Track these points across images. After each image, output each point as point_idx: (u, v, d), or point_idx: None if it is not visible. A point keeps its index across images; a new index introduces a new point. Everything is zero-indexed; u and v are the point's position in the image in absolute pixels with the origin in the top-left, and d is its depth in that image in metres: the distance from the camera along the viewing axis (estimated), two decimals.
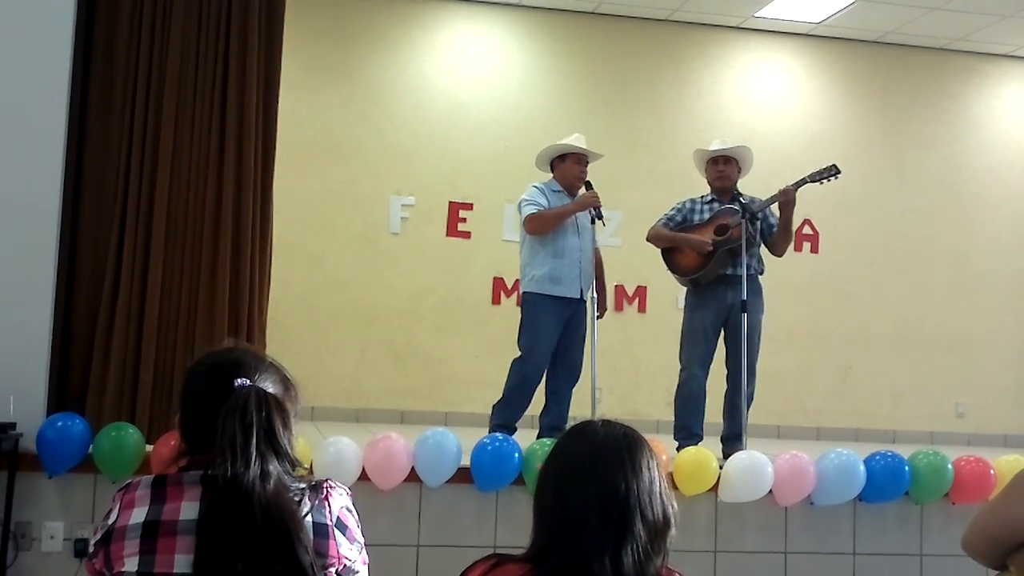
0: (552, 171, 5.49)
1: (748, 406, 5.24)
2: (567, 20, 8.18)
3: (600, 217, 5.33)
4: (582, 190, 5.35)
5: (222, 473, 1.78)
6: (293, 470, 1.88)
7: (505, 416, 5.18)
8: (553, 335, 5.23)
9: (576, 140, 5.47)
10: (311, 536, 1.81)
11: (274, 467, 1.81)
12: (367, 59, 7.88)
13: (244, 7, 4.75)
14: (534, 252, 5.30)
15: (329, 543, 1.84)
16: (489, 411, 5.38)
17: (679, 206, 5.58)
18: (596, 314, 5.35)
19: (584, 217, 5.36)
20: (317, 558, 1.80)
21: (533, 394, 5.26)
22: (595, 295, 5.36)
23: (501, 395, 5.29)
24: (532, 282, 5.27)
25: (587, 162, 5.43)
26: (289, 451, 1.87)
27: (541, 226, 5.25)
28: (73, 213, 4.53)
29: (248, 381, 1.87)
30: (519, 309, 5.49)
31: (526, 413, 5.34)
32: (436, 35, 8.02)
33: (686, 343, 5.48)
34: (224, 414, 1.83)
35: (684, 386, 5.39)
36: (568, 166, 5.39)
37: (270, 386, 1.92)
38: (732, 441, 5.20)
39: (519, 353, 5.29)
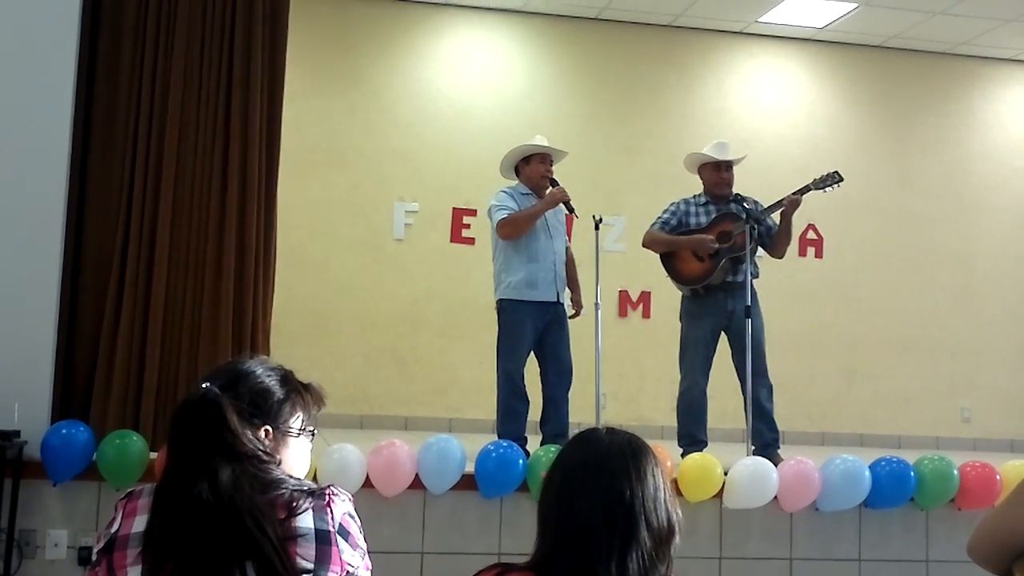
0: (517, 175, 5.47)
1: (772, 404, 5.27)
2: (570, 26, 8.19)
3: (572, 210, 5.29)
4: (549, 189, 5.32)
5: (171, 480, 1.80)
6: (266, 467, 1.87)
7: (510, 431, 5.11)
8: (530, 340, 5.22)
9: (537, 141, 5.46)
10: (312, 540, 1.81)
11: (228, 467, 1.80)
12: (371, 65, 7.90)
13: (248, 14, 4.76)
14: (508, 258, 5.28)
15: (332, 550, 1.83)
16: (493, 417, 5.37)
17: (672, 208, 5.54)
18: (572, 314, 5.34)
19: (555, 219, 5.35)
20: (319, 565, 1.80)
21: (526, 398, 5.22)
22: (571, 295, 5.37)
23: (497, 412, 5.25)
24: (509, 288, 5.25)
25: (552, 161, 5.41)
26: (250, 450, 1.85)
27: (514, 229, 5.22)
28: (77, 220, 4.53)
29: (210, 385, 1.88)
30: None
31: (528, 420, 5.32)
32: (440, 41, 8.03)
33: (687, 351, 5.44)
34: (173, 420, 1.86)
35: (687, 394, 5.37)
36: (533, 167, 5.37)
37: (257, 387, 1.95)
38: (774, 447, 5.18)
39: (496, 360, 5.28)
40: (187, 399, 1.87)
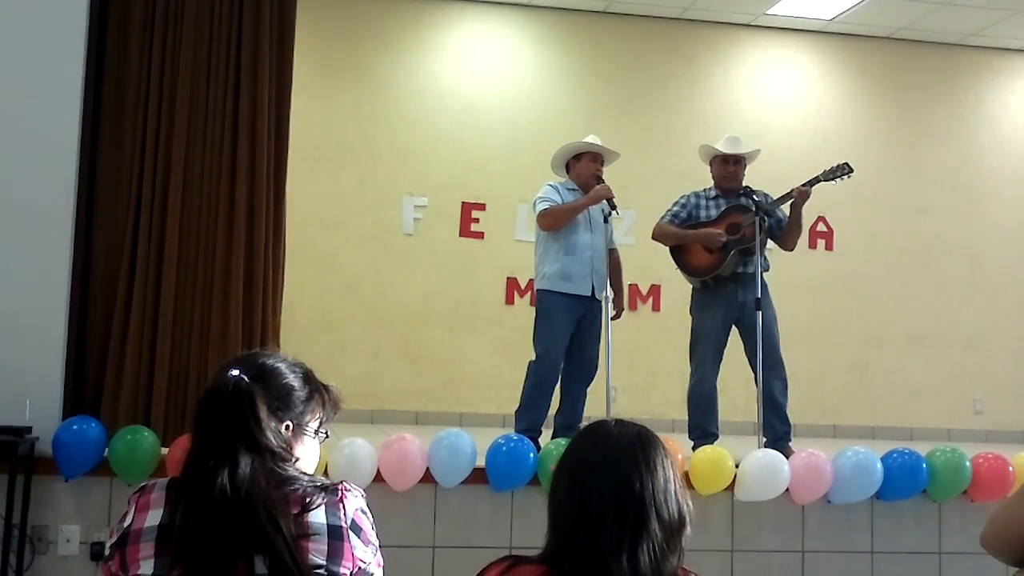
0: (567, 172, 5.47)
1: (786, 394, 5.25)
2: (578, 19, 8.17)
3: (615, 208, 5.28)
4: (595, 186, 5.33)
5: (193, 467, 1.80)
6: (283, 463, 1.87)
7: (527, 420, 5.12)
8: (566, 333, 5.20)
9: (591, 139, 5.47)
10: (325, 536, 1.81)
11: (248, 458, 1.81)
12: (379, 60, 7.90)
13: (255, 9, 4.76)
14: (547, 249, 5.29)
15: (344, 545, 1.83)
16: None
17: (683, 201, 5.54)
18: (612, 314, 5.32)
19: (598, 215, 5.33)
20: (331, 561, 1.80)
21: (552, 394, 5.22)
22: (610, 294, 5.31)
23: (520, 400, 5.25)
24: (544, 279, 5.26)
25: (603, 161, 5.41)
26: (270, 444, 1.86)
27: (554, 221, 5.23)
28: (87, 217, 4.55)
29: (239, 373, 1.87)
30: (534, 308, 5.47)
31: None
32: (447, 36, 8.03)
33: (697, 343, 5.44)
34: (199, 403, 1.86)
35: (697, 386, 5.37)
36: (584, 164, 5.37)
37: (284, 383, 1.94)
38: (786, 440, 5.17)
39: (534, 354, 5.26)
40: (219, 384, 1.86)
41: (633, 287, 7.89)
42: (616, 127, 8.05)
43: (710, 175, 5.58)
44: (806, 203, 5.30)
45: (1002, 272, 8.61)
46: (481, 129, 7.96)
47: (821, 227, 8.36)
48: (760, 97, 8.43)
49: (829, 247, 8.41)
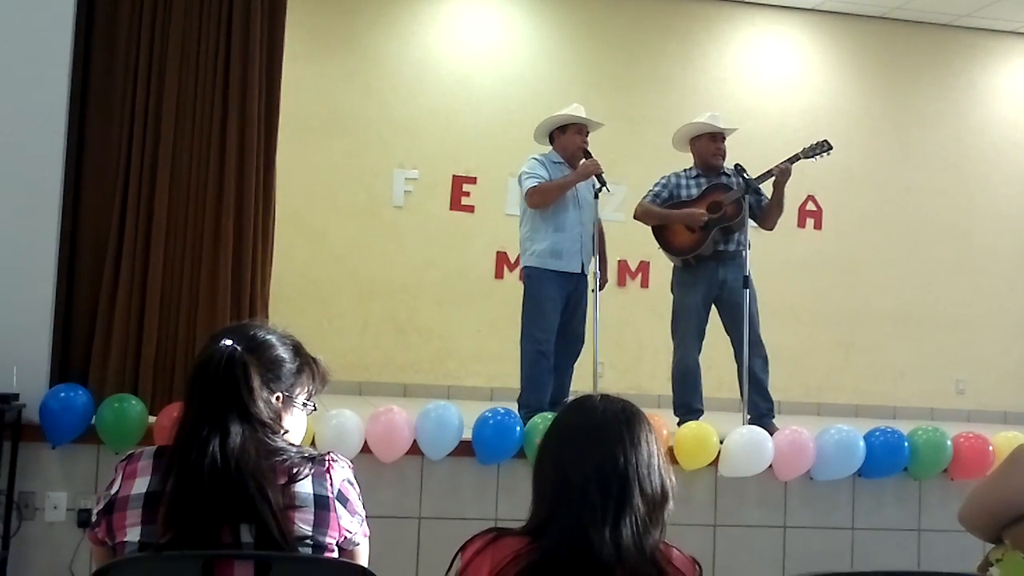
0: (551, 143, 5.43)
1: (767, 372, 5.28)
2: None
3: (604, 184, 5.23)
4: (583, 161, 5.29)
5: (186, 435, 1.82)
6: (272, 434, 1.89)
7: (533, 400, 5.07)
8: (556, 309, 5.20)
9: (575, 110, 5.40)
10: (311, 506, 1.83)
11: (239, 427, 1.83)
12: (371, 31, 7.85)
13: None
14: (535, 226, 5.25)
15: (330, 515, 1.85)
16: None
17: (663, 181, 5.53)
18: (596, 287, 5.32)
19: (584, 190, 5.31)
20: (317, 530, 1.82)
21: (552, 370, 5.18)
22: (596, 268, 5.31)
23: (521, 383, 5.20)
24: (533, 256, 5.24)
25: (588, 132, 5.37)
26: (261, 415, 1.88)
27: (543, 198, 5.19)
28: (76, 185, 4.52)
29: (232, 343, 1.88)
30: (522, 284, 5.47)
31: None
32: (440, 7, 7.98)
33: (679, 321, 5.45)
34: (193, 372, 1.87)
35: (680, 364, 5.39)
36: (569, 137, 5.33)
37: (275, 355, 1.96)
38: (769, 417, 5.19)
39: (520, 328, 5.26)
40: (213, 354, 1.87)
41: (622, 263, 7.91)
42: (608, 103, 8.03)
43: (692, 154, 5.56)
44: (788, 181, 5.31)
45: (989, 253, 8.65)
46: (473, 102, 7.93)
47: (810, 206, 8.38)
48: (753, 75, 8.41)
49: (818, 226, 8.43)
